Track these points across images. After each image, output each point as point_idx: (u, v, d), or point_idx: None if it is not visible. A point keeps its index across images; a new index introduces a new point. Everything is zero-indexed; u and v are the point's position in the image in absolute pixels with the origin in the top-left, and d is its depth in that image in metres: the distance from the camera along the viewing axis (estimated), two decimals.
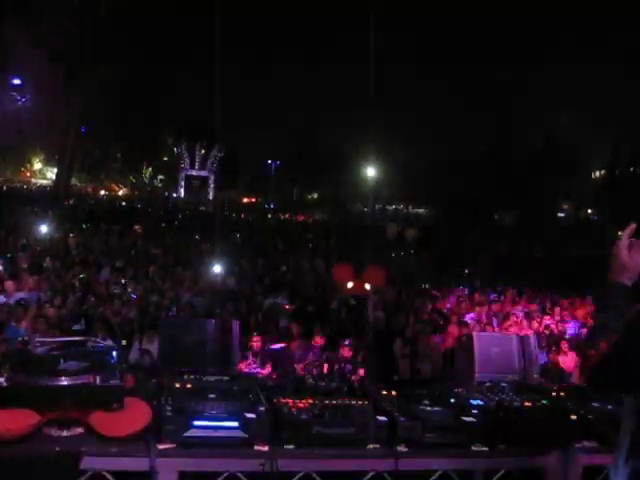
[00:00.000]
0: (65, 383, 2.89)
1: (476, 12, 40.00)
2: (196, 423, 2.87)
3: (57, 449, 2.74)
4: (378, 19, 31.11)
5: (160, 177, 58.51)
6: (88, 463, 2.76)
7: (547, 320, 12.19)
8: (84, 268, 14.24)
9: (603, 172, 44.41)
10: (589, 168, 45.14)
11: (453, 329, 11.37)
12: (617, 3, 34.08)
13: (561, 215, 44.14)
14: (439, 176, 42.64)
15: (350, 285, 13.45)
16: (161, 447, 2.83)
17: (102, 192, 50.52)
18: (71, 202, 32.57)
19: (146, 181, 56.00)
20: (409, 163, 44.26)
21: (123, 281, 13.40)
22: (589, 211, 44.10)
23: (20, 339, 3.22)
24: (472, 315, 12.72)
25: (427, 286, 16.54)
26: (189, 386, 3.20)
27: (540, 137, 41.70)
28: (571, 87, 39.52)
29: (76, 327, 9.81)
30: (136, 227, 25.36)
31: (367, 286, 13.45)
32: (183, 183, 53.16)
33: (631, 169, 41.18)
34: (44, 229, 18.84)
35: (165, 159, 56.40)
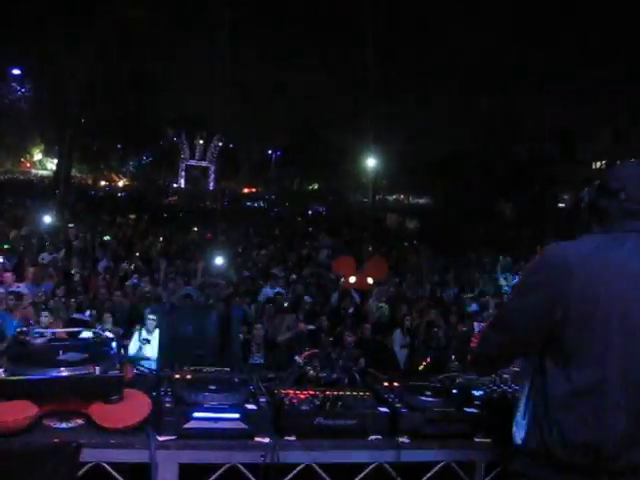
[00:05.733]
0: (64, 374, 2.87)
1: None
2: (196, 415, 2.85)
3: (56, 441, 2.72)
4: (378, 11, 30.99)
5: (160, 167, 58.38)
6: (88, 455, 2.74)
7: None
8: (84, 259, 14.25)
9: (604, 162, 44.35)
10: (590, 159, 45.13)
11: (452, 319, 11.39)
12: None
13: (561, 206, 44.08)
14: (439, 167, 42.61)
15: (353, 279, 13.20)
16: (161, 439, 2.80)
17: (102, 183, 50.46)
18: (71, 193, 32.53)
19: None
20: (409, 154, 44.20)
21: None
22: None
23: (18, 330, 3.18)
24: (475, 306, 12.73)
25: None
26: (189, 377, 3.17)
27: (540, 128, 41.70)
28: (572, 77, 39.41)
29: (81, 317, 9.86)
30: (131, 217, 25.33)
31: (370, 280, 13.24)
32: (183, 173, 53.04)
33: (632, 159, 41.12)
34: (44, 220, 18.81)
35: (165, 149, 56.28)
